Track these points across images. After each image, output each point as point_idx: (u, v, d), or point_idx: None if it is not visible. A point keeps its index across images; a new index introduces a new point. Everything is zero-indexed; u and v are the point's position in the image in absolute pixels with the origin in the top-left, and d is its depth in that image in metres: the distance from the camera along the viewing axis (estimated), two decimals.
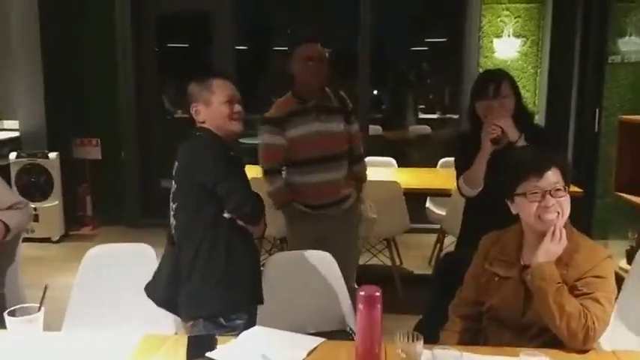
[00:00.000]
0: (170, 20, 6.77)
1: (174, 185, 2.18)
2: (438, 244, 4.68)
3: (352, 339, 1.94)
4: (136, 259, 2.42)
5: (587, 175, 5.15)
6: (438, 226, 4.71)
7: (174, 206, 2.17)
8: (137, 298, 2.21)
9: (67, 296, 2.38)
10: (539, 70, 5.45)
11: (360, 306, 1.58)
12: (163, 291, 2.18)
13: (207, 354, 1.67)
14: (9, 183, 4.42)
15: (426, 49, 8.78)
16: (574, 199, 1.86)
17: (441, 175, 4.72)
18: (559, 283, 1.75)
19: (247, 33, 8.43)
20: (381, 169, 4.81)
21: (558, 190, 1.81)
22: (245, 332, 1.86)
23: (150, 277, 2.24)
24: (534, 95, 5.50)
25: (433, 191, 4.44)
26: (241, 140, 4.84)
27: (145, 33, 6.04)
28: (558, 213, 1.81)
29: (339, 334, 2.07)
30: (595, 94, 5.20)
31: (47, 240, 5.44)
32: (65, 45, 5.73)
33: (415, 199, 4.52)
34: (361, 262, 3.63)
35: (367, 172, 3.27)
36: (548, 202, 1.81)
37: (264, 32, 9.41)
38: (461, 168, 2.63)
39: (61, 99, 5.69)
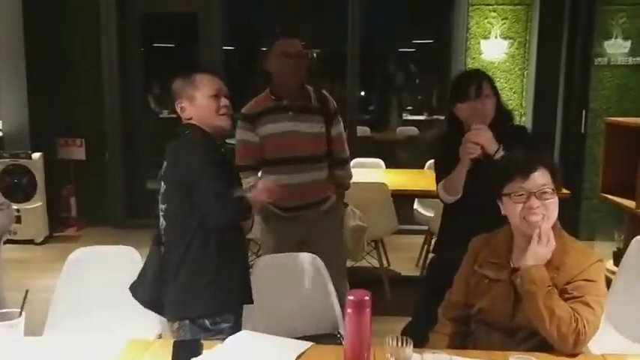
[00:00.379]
0: (156, 20, 6.72)
1: (163, 186, 2.12)
2: (426, 246, 4.68)
3: (341, 343, 1.92)
4: (121, 262, 2.39)
5: (573, 177, 5.18)
6: (425, 228, 4.71)
7: (163, 207, 2.12)
8: (121, 301, 2.17)
9: (50, 299, 2.34)
10: (526, 72, 5.47)
11: (350, 310, 1.55)
12: (149, 291, 2.12)
13: (193, 359, 1.64)
14: None
15: (413, 51, 8.81)
16: (561, 201, 1.85)
17: (429, 177, 4.68)
18: (549, 286, 1.74)
19: (235, 33, 8.40)
20: (368, 171, 4.80)
21: (544, 192, 1.79)
22: (231, 337, 1.83)
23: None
24: (521, 97, 5.52)
25: (421, 193, 4.42)
26: (227, 141, 4.75)
27: (130, 33, 5.98)
28: (543, 215, 1.80)
29: (327, 337, 2.05)
30: (581, 96, 5.23)
31: (30, 242, 5.37)
32: (49, 44, 5.67)
33: (403, 200, 4.51)
34: (349, 264, 3.61)
35: (351, 179, 3.14)
36: (533, 204, 1.79)
37: (251, 32, 9.38)
38: (440, 173, 2.60)
39: (45, 99, 5.61)
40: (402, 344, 1.57)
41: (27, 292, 1.63)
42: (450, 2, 5.66)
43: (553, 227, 1.85)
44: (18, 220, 5.06)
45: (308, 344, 1.81)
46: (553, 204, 1.80)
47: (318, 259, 2.34)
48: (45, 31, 5.60)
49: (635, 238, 2.51)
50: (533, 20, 5.35)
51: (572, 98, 5.24)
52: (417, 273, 4.62)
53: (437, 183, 2.62)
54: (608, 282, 1.96)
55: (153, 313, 2.17)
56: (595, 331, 1.72)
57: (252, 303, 2.17)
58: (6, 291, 2.54)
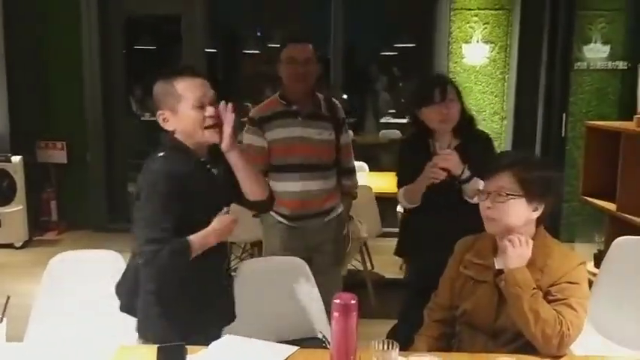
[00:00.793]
0: (138, 21, 6.69)
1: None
2: None
3: (326, 347, 1.91)
4: (103, 266, 2.36)
5: None
6: None
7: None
8: (104, 306, 2.15)
9: (31, 304, 2.30)
10: (507, 76, 5.52)
11: (336, 314, 1.55)
12: (125, 296, 2.03)
13: None
14: None
15: (395, 55, 8.85)
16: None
17: None
18: (534, 289, 1.75)
19: (217, 36, 8.38)
20: None
21: (499, 194, 1.81)
22: (216, 342, 1.82)
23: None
24: (502, 100, 5.57)
25: None
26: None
27: (112, 34, 5.93)
28: (495, 218, 1.82)
29: (312, 341, 2.04)
30: (561, 100, 5.29)
31: (10, 246, 5.28)
32: (30, 46, 5.59)
33: (386, 203, 4.52)
34: None
35: (357, 188, 3.06)
36: (486, 204, 1.84)
37: (234, 35, 9.36)
38: (402, 179, 2.61)
39: (25, 101, 5.53)
40: (387, 347, 1.58)
41: (8, 297, 1.61)
42: (432, 6, 5.69)
43: (537, 230, 1.88)
44: None
45: (294, 348, 1.80)
46: (505, 208, 1.81)
47: (302, 262, 2.33)
48: (25, 33, 5.52)
49: (615, 240, 2.55)
50: (514, 25, 5.40)
51: (553, 102, 5.29)
52: (400, 276, 4.62)
53: (398, 187, 2.64)
54: (590, 284, 1.98)
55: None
56: (578, 333, 1.74)
57: (232, 321, 2.05)
58: None
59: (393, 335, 1.65)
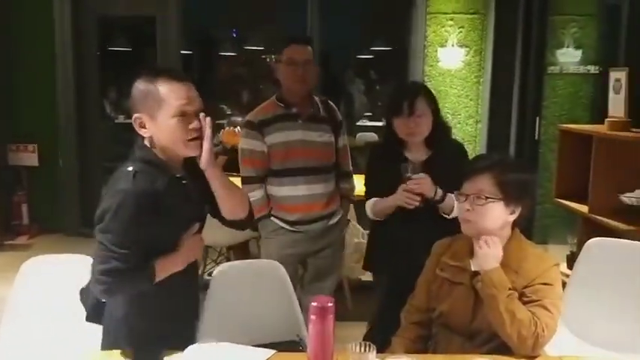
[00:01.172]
0: (112, 23, 6.60)
1: None
2: None
3: (303, 349, 1.90)
4: (75, 271, 2.31)
5: None
6: None
7: None
8: (76, 311, 2.10)
9: (1, 309, 2.25)
10: (481, 80, 5.57)
11: (313, 316, 1.55)
12: (91, 309, 1.90)
13: None
14: None
15: (372, 58, 8.89)
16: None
17: None
18: (510, 290, 1.77)
19: (193, 37, 8.31)
20: None
21: (478, 197, 1.83)
22: (192, 346, 1.80)
23: None
24: (477, 104, 5.62)
25: None
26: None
27: (85, 35, 5.84)
28: (471, 220, 1.84)
29: (289, 344, 2.03)
30: (535, 104, 5.36)
31: None
32: (1, 46, 5.48)
33: (362, 205, 4.52)
34: None
35: (355, 191, 2.97)
36: (464, 206, 1.85)
37: (209, 37, 9.31)
38: (371, 190, 2.58)
39: None
40: (365, 350, 1.58)
41: None
42: (408, 10, 5.73)
43: (512, 232, 1.90)
44: None
45: (270, 352, 1.79)
46: (484, 210, 1.83)
47: (280, 265, 2.31)
48: None
49: (587, 242, 2.58)
50: (489, 29, 5.46)
51: (526, 106, 5.36)
52: None
53: (366, 197, 2.58)
54: (563, 285, 2.01)
55: None
56: (553, 334, 1.76)
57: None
58: None
59: (370, 338, 1.64)
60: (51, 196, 5.77)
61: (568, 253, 3.63)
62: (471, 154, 5.41)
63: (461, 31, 5.52)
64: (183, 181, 1.81)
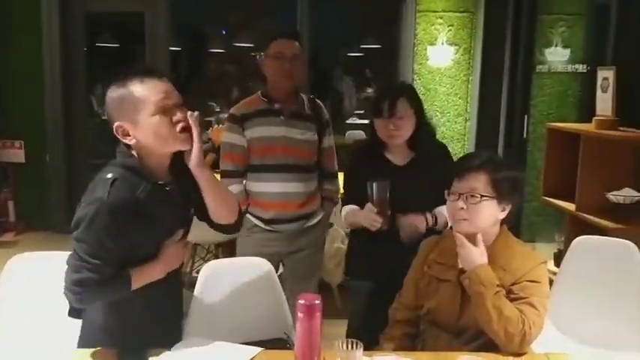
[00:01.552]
0: (100, 18, 6.55)
1: None
2: None
3: (291, 347, 1.90)
4: (62, 268, 2.29)
5: None
6: None
7: None
8: (63, 309, 2.09)
9: None
10: (470, 78, 5.59)
11: (300, 314, 1.54)
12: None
13: None
14: None
15: (362, 55, 8.89)
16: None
17: None
18: (497, 287, 1.78)
19: (182, 34, 8.27)
20: None
21: (472, 196, 1.83)
22: (178, 344, 1.79)
23: None
24: (466, 102, 5.64)
25: None
26: None
27: (72, 31, 5.80)
28: (466, 219, 1.84)
29: (277, 342, 2.02)
30: (523, 102, 5.39)
31: None
32: None
33: None
34: None
35: (339, 193, 2.83)
36: (457, 205, 1.85)
37: (199, 33, 9.26)
38: (350, 196, 2.50)
39: None
40: (352, 347, 1.57)
41: None
42: (398, 8, 5.73)
43: (500, 230, 1.90)
44: None
45: (257, 349, 1.79)
46: (476, 209, 1.83)
47: (267, 262, 2.30)
48: None
49: (574, 240, 2.60)
50: (478, 27, 5.48)
51: (515, 104, 5.38)
52: None
53: (344, 202, 2.51)
54: (550, 282, 2.02)
55: None
56: (540, 331, 1.77)
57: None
58: None
59: (356, 336, 1.64)
60: (37, 193, 5.72)
61: (555, 251, 3.65)
62: (460, 153, 5.47)
63: (450, 30, 5.54)
64: (167, 188, 1.75)
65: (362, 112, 8.41)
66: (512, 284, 1.81)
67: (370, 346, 1.81)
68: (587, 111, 4.68)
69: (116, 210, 1.62)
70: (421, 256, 2.04)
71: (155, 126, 1.66)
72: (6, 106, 5.63)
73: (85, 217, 1.64)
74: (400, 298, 2.07)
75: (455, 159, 2.29)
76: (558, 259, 3.36)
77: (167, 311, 1.86)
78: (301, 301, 1.55)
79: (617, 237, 2.61)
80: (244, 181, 2.72)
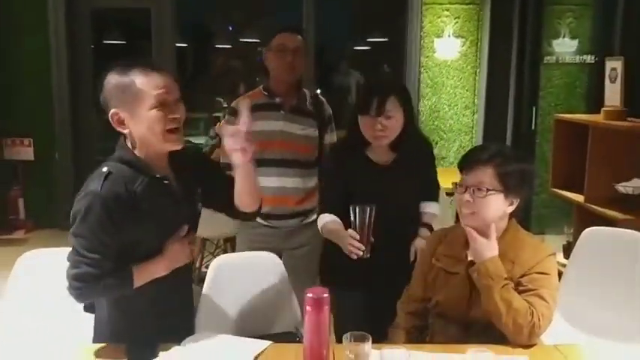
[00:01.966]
0: (106, 15, 6.56)
1: None
2: None
3: (300, 341, 1.91)
4: None
5: None
6: None
7: None
8: (73, 305, 2.10)
9: None
10: (477, 70, 5.56)
11: (308, 308, 1.55)
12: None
13: None
14: None
15: (368, 49, 8.86)
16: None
17: None
18: (505, 279, 1.77)
19: (188, 30, 8.28)
20: None
21: (479, 189, 1.82)
22: (188, 338, 1.80)
23: None
24: (473, 95, 5.61)
25: None
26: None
27: (79, 29, 5.81)
28: (473, 212, 1.83)
29: (286, 336, 2.04)
30: (531, 94, 5.36)
31: None
32: None
33: None
34: None
35: None
36: (464, 198, 1.84)
37: (205, 29, 9.27)
38: (329, 200, 2.34)
39: None
40: (360, 341, 1.58)
41: None
42: (404, 1, 5.71)
43: (509, 223, 1.90)
44: None
45: (266, 343, 1.79)
46: (483, 203, 1.82)
47: (276, 257, 2.31)
48: None
49: (583, 232, 2.59)
50: (485, 19, 5.45)
51: (523, 96, 5.36)
52: None
53: (321, 209, 2.36)
54: (559, 274, 2.02)
55: None
56: (549, 323, 1.77)
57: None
58: None
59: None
60: (47, 191, 5.75)
61: (564, 243, 3.64)
62: (468, 145, 5.46)
63: (457, 22, 5.51)
64: (165, 182, 1.74)
65: None
66: (522, 276, 1.81)
67: (378, 339, 1.81)
68: (595, 102, 4.66)
69: (110, 203, 1.62)
70: (429, 248, 2.04)
71: (151, 120, 1.66)
72: (15, 105, 5.65)
73: (79, 211, 1.64)
74: (409, 290, 2.07)
75: (463, 152, 2.26)
76: (567, 251, 3.36)
77: (175, 307, 1.86)
78: (309, 295, 1.55)
79: (626, 228, 2.61)
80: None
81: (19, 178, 5.69)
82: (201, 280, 2.25)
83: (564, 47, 5.38)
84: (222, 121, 2.74)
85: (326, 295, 1.56)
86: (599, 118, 3.40)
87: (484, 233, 1.81)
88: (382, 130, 2.19)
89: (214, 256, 4.27)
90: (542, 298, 1.76)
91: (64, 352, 1.71)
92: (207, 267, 2.38)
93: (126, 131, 1.70)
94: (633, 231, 2.50)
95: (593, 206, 3.29)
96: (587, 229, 2.59)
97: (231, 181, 1.83)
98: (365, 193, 2.19)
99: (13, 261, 2.32)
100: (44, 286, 2.27)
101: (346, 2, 7.69)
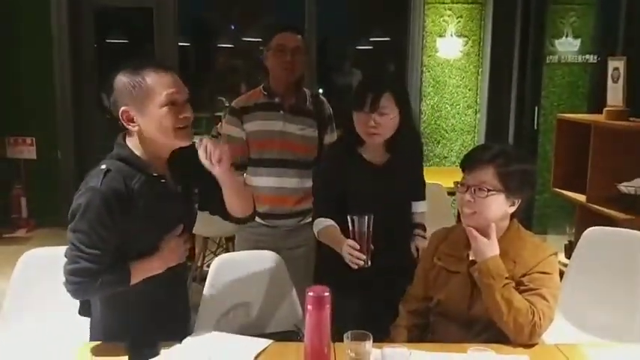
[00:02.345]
0: (109, 15, 6.57)
1: None
2: None
3: (301, 340, 1.91)
4: None
5: None
6: None
7: None
8: (75, 304, 2.11)
9: (0, 302, 2.26)
10: (480, 70, 5.56)
11: (309, 306, 1.55)
12: (81, 302, 1.89)
13: None
14: None
15: (370, 48, 8.85)
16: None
17: None
18: (506, 278, 1.77)
19: (190, 29, 8.29)
20: None
21: (480, 189, 1.81)
22: (190, 336, 1.81)
23: None
24: (476, 94, 5.61)
25: None
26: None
27: (82, 28, 5.83)
28: (475, 211, 1.83)
29: (287, 334, 2.04)
30: (534, 93, 5.36)
31: None
32: None
33: None
34: None
35: None
36: (465, 197, 1.84)
37: (207, 28, 9.27)
38: (322, 203, 2.30)
39: None
40: (361, 339, 1.58)
41: None
42: (407, 0, 5.71)
43: (511, 222, 1.90)
44: None
45: (268, 342, 1.80)
46: (486, 202, 1.82)
47: (277, 255, 2.31)
48: None
49: (585, 231, 2.58)
50: (487, 19, 5.45)
51: (525, 95, 5.35)
52: None
53: (316, 213, 2.32)
54: (561, 274, 2.01)
55: None
56: (550, 323, 1.77)
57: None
58: None
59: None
60: (49, 190, 5.76)
61: (566, 242, 3.63)
62: (470, 145, 5.46)
63: (459, 21, 5.51)
64: (162, 180, 1.76)
65: None
66: (523, 276, 1.81)
67: (379, 337, 1.82)
68: (597, 102, 4.64)
69: (109, 199, 1.64)
70: (431, 247, 2.05)
71: (162, 117, 1.69)
72: (17, 103, 5.66)
73: (79, 207, 1.66)
74: (410, 289, 2.07)
75: (465, 151, 2.24)
76: (569, 250, 3.35)
77: (170, 306, 1.86)
78: (310, 294, 1.55)
79: (627, 228, 2.60)
80: (244, 174, 2.71)
81: (21, 177, 5.70)
82: (203, 278, 2.25)
83: (567, 47, 5.38)
84: (223, 120, 2.74)
85: (327, 293, 1.56)
86: (601, 117, 3.40)
87: (485, 233, 1.81)
88: (375, 127, 2.15)
89: (216, 255, 4.28)
90: (543, 297, 1.76)
91: (65, 349, 1.72)
92: (208, 266, 2.38)
93: (135, 129, 1.72)
94: (635, 231, 2.49)
95: (595, 206, 3.29)
96: (588, 229, 2.59)
97: None
98: (359, 193, 2.19)
99: (15, 259, 2.33)
100: (46, 284, 2.28)
101: (348, 1, 7.68)
